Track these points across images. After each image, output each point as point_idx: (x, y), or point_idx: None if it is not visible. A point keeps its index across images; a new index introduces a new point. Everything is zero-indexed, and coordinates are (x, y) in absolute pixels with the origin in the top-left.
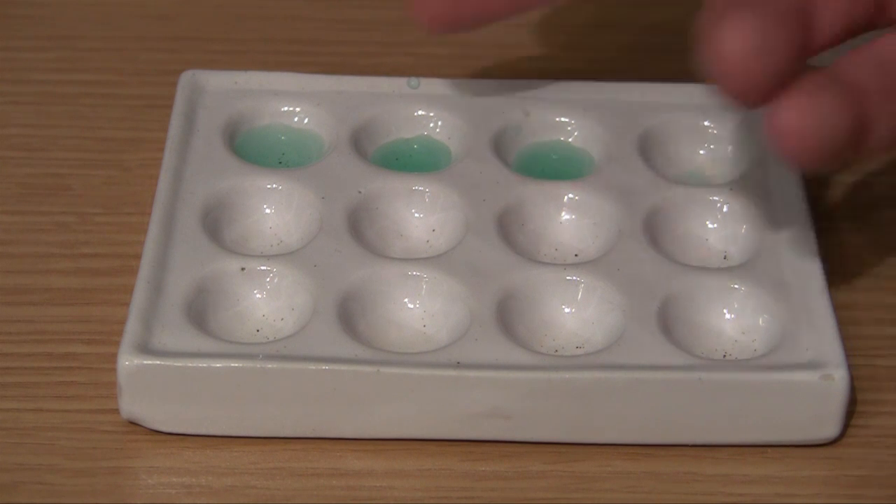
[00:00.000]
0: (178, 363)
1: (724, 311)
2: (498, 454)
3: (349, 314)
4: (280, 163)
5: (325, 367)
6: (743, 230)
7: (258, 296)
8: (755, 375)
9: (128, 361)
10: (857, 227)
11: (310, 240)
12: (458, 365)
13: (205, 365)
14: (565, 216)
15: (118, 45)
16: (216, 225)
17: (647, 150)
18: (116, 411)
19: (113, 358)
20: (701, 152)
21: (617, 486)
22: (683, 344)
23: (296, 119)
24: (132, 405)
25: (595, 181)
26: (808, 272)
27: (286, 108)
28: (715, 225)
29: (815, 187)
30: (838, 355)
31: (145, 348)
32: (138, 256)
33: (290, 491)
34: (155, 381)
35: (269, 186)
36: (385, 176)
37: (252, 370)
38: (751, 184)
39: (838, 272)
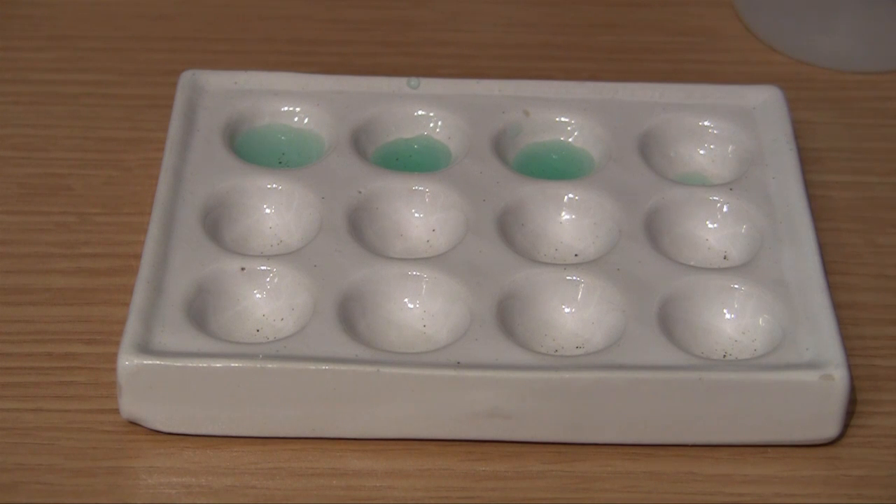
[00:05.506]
0: (179, 363)
1: (724, 311)
2: (498, 454)
3: (349, 314)
4: (280, 163)
5: (325, 367)
6: (743, 230)
7: (258, 296)
8: (755, 375)
9: (128, 361)
10: (857, 227)
11: (310, 240)
12: (458, 365)
13: (205, 365)
14: (565, 216)
15: (118, 45)
16: (216, 225)
17: (647, 150)
18: (116, 411)
19: (113, 358)
20: (701, 152)
21: (617, 486)
22: (683, 344)
23: (296, 119)
24: (132, 405)
25: (595, 181)
26: (808, 272)
27: (286, 108)
28: (715, 225)
29: (815, 187)
30: (838, 355)
31: (145, 348)
32: (138, 256)
33: (290, 491)
34: (155, 381)
35: (269, 186)
36: (385, 176)
37: (252, 370)
38: (751, 184)
39: (838, 272)
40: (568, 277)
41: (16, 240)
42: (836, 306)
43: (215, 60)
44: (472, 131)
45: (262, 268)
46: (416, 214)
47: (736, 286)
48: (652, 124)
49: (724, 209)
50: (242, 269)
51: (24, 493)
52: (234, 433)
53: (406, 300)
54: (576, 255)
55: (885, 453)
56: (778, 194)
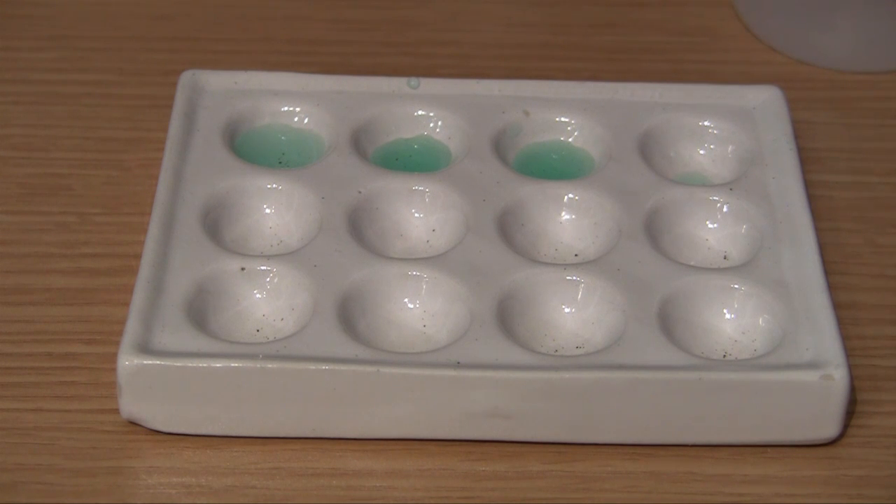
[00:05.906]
0: (178, 363)
1: (724, 311)
2: (498, 454)
3: (349, 314)
4: (280, 163)
5: (325, 367)
6: (743, 230)
7: (258, 296)
8: (755, 375)
9: (128, 361)
10: (857, 227)
11: (310, 240)
12: (458, 365)
13: (205, 365)
14: (565, 216)
15: (118, 45)
16: (216, 225)
17: (647, 150)
18: (116, 411)
19: (113, 358)
20: (701, 152)
21: (617, 486)
22: (683, 344)
23: (296, 119)
24: (132, 405)
25: (595, 181)
26: (808, 272)
27: (286, 108)
28: (715, 225)
29: (815, 187)
30: (838, 355)
31: (145, 348)
32: (138, 256)
33: (290, 491)
34: (155, 381)
35: (269, 186)
36: (385, 176)
37: (252, 370)
38: (751, 184)
39: (838, 272)
40: (568, 277)
41: (16, 240)
42: (836, 306)
43: (215, 60)
44: (472, 131)
45: (262, 268)
46: (416, 214)
47: (736, 286)
48: (652, 124)
49: (724, 209)
50: (242, 269)
51: (24, 493)
52: (234, 433)
53: (406, 300)
54: (576, 255)
55: (885, 453)
56: (778, 194)
